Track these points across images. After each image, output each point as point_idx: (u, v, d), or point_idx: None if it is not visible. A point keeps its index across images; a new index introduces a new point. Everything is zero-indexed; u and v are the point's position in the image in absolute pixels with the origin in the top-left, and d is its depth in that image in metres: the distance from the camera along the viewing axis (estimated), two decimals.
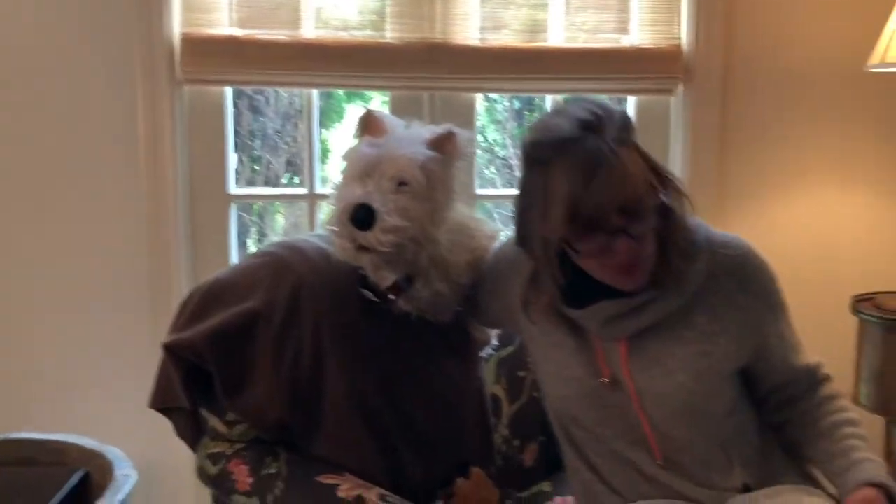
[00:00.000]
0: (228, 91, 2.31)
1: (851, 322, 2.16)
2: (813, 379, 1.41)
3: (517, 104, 3.60)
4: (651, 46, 2.30)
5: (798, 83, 2.38)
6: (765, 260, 1.35)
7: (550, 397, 1.43)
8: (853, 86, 2.37)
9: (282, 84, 2.31)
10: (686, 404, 1.31)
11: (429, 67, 2.23)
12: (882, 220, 2.46)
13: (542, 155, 1.22)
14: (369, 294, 1.52)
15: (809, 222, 2.45)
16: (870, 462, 1.30)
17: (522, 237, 1.31)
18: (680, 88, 2.35)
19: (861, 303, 2.15)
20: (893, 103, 2.33)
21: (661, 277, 1.27)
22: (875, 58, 2.07)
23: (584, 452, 1.42)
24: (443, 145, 1.47)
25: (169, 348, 1.47)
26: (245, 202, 2.93)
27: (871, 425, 2.29)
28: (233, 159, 2.38)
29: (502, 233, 1.64)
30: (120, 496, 1.72)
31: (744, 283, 1.32)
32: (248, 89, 3.11)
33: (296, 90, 2.85)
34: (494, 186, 3.57)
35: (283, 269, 1.53)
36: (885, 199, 2.45)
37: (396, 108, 2.31)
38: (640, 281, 1.26)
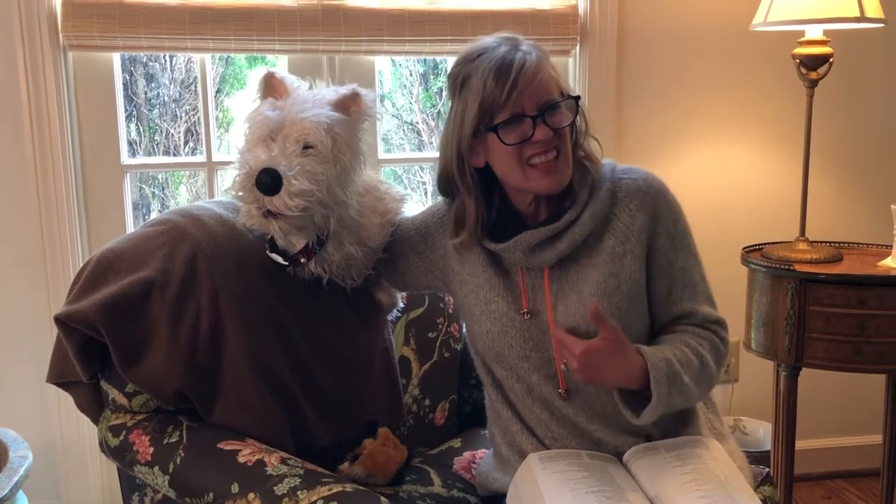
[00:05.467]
0: (117, 57, 2.23)
1: (743, 272, 2.26)
2: (704, 322, 1.45)
3: (422, 68, 3.59)
4: (548, 8, 2.34)
5: (688, 43, 2.47)
6: (666, 187, 1.44)
7: (476, 335, 1.48)
8: (739, 45, 2.47)
9: (173, 49, 2.23)
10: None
11: (325, 30, 2.20)
12: (769, 172, 2.58)
13: (461, 70, 1.35)
14: (279, 258, 1.50)
15: (701, 177, 2.55)
16: (657, 349, 1.35)
17: (444, 167, 1.42)
18: (576, 49, 2.39)
19: (750, 254, 2.25)
20: (777, 60, 2.43)
21: (554, 201, 1.39)
22: (758, 17, 2.16)
23: (504, 391, 1.47)
24: (348, 106, 1.45)
25: (61, 320, 1.42)
26: (142, 172, 2.83)
27: (762, 369, 2.42)
28: (125, 129, 2.31)
29: (410, 196, 1.65)
30: (15, 478, 1.66)
31: (645, 202, 1.39)
32: (142, 56, 3.00)
33: (190, 55, 2.77)
34: (403, 151, 3.57)
35: (179, 236, 1.49)
36: (771, 152, 2.57)
37: (295, 73, 2.26)
38: (554, 183, 1.34)
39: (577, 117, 1.39)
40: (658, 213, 1.40)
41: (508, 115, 1.31)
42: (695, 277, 1.44)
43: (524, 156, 1.33)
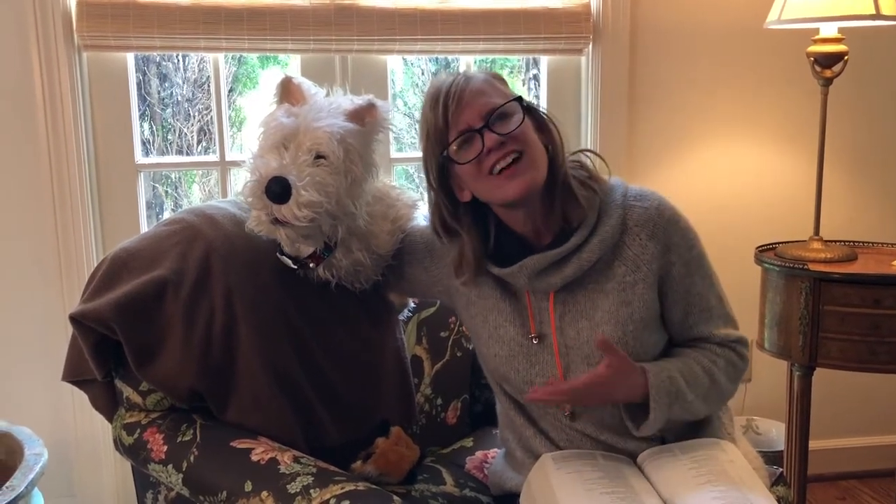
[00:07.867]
0: (131, 57, 2.24)
1: (756, 271, 2.25)
2: (723, 342, 1.43)
3: (434, 66, 3.58)
4: (560, 7, 2.33)
5: (701, 41, 2.46)
6: (679, 213, 1.41)
7: (485, 357, 1.48)
8: (753, 43, 2.46)
9: (186, 49, 2.24)
10: None
11: (338, 30, 2.20)
12: (783, 171, 2.57)
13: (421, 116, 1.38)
14: (288, 261, 1.50)
15: (714, 175, 2.54)
16: (662, 367, 1.34)
17: (435, 211, 1.42)
18: (589, 48, 2.38)
19: (764, 253, 2.24)
20: (791, 58, 2.42)
21: (556, 221, 1.37)
22: (773, 15, 2.14)
23: (516, 401, 1.47)
24: (363, 116, 1.45)
25: (76, 319, 1.43)
26: (156, 171, 2.85)
27: (776, 369, 2.41)
28: (139, 128, 2.32)
29: (422, 200, 1.65)
30: (31, 476, 1.67)
31: (656, 232, 1.36)
32: (155, 55, 3.01)
33: (202, 55, 2.78)
34: (414, 150, 3.56)
35: (192, 236, 1.50)
36: (785, 151, 2.56)
37: (308, 72, 2.28)
38: (520, 186, 1.31)
39: (527, 117, 1.34)
40: (670, 242, 1.37)
41: (456, 135, 1.32)
42: (711, 301, 1.42)
43: (485, 169, 1.32)
